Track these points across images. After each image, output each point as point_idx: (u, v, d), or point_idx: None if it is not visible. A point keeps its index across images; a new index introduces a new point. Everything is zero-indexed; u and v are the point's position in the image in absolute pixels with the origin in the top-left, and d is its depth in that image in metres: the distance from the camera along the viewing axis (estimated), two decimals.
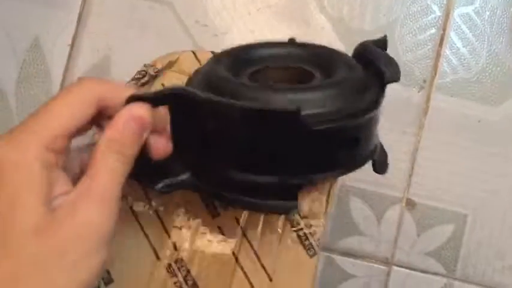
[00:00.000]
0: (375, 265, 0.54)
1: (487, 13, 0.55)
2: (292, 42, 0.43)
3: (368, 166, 0.39)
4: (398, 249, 0.54)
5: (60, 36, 0.55)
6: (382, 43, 0.39)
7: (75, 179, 0.31)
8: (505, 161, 0.55)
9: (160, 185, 0.35)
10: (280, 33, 0.55)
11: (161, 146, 0.34)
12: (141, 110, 0.31)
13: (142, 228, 0.44)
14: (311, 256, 0.45)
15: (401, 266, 0.54)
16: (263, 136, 0.33)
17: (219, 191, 0.36)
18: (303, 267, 0.45)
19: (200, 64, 0.45)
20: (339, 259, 0.54)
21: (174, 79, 0.45)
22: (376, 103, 0.36)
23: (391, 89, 0.54)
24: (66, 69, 0.55)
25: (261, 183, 0.34)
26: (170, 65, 0.45)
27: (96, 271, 0.29)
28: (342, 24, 0.55)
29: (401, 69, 0.54)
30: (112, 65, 0.55)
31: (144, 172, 0.34)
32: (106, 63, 0.55)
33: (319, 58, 0.41)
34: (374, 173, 0.40)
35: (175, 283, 0.44)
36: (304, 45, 0.42)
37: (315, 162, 0.35)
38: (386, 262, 0.54)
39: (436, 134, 0.54)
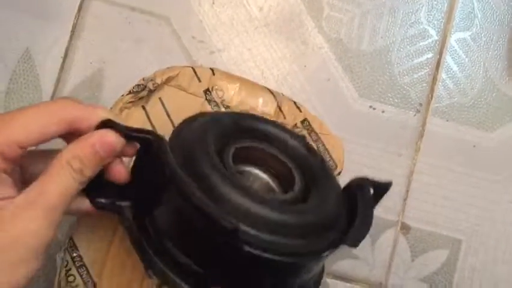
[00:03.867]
0: None
1: (484, 39, 0.56)
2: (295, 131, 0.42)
3: None
4: (392, 274, 0.53)
5: (53, 48, 0.54)
6: (382, 187, 0.38)
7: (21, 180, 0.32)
8: (499, 187, 0.54)
9: (97, 200, 0.35)
10: (277, 52, 0.55)
11: (122, 173, 0.34)
12: (113, 137, 0.32)
13: None
14: None
15: None
16: (201, 234, 0.32)
17: (146, 235, 0.35)
18: None
19: (199, 80, 0.45)
20: (331, 282, 0.53)
21: (172, 93, 0.45)
22: (327, 250, 0.35)
23: (387, 111, 0.54)
24: (58, 81, 0.54)
25: (182, 264, 0.33)
26: (169, 79, 0.45)
27: (29, 275, 0.30)
28: (340, 45, 0.55)
29: (398, 92, 0.55)
30: (105, 78, 0.54)
31: (90, 184, 0.33)
32: (99, 77, 0.54)
33: (307, 166, 0.40)
34: None
35: None
36: (302, 141, 0.41)
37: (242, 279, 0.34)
38: (380, 287, 0.53)
39: (431, 158, 0.54)
